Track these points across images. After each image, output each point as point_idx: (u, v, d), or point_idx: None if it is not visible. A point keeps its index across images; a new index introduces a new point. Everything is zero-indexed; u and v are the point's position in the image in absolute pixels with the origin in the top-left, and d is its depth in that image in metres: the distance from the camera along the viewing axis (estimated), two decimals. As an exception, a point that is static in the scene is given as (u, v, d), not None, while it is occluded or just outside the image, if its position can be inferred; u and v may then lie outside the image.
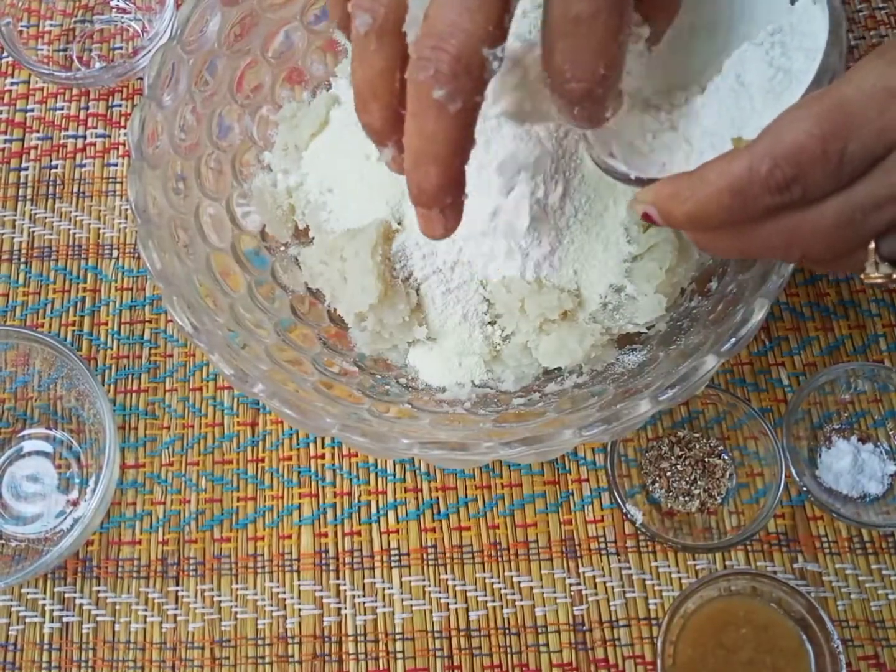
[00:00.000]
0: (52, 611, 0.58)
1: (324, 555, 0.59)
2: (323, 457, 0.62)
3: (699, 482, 0.59)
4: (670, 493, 0.59)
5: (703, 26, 0.44)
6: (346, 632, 0.58)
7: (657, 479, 0.60)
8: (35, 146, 0.71)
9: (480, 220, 0.51)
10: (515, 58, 0.42)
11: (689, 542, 0.57)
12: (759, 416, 0.57)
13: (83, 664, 0.57)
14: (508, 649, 0.57)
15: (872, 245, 0.36)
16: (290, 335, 0.54)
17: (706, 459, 0.60)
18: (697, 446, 0.60)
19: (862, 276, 0.37)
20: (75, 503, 0.61)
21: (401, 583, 0.58)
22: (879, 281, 0.37)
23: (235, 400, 0.63)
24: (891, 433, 0.60)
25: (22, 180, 0.70)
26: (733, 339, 0.46)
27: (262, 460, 0.61)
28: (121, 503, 0.61)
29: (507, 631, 0.57)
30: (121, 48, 0.74)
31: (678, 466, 0.60)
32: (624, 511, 0.57)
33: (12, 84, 0.73)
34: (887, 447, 0.60)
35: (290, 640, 0.57)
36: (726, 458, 0.60)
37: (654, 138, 0.43)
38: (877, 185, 0.34)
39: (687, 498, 0.59)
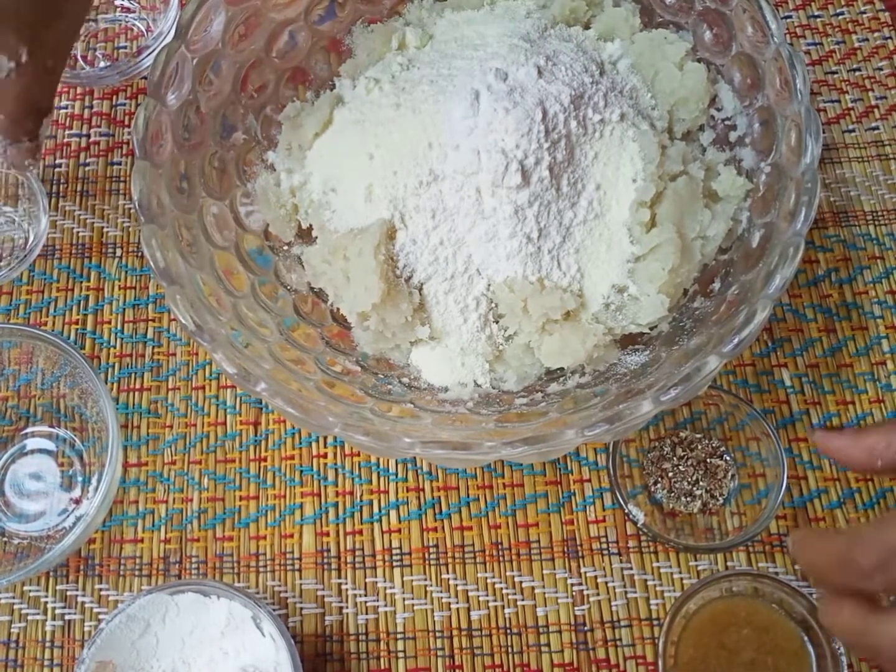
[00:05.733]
0: (54, 608, 0.58)
1: (326, 554, 0.59)
2: (325, 456, 0.62)
3: (701, 483, 0.59)
4: (672, 494, 0.59)
5: None
6: (348, 631, 0.58)
7: (659, 479, 0.60)
8: (39, 145, 0.71)
9: (485, 221, 0.52)
10: None
11: (691, 542, 0.57)
12: (762, 417, 0.57)
13: (85, 662, 0.57)
14: (510, 649, 0.57)
15: None
16: (293, 334, 0.54)
17: (708, 460, 0.60)
18: (699, 447, 0.60)
19: None
20: (78, 501, 0.61)
21: (402, 582, 0.58)
22: None
23: (238, 399, 0.63)
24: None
25: (26, 179, 0.70)
26: (736, 340, 0.46)
27: (265, 459, 0.61)
28: (123, 501, 0.61)
29: (508, 631, 0.57)
30: (125, 47, 0.74)
31: (680, 467, 0.60)
32: (626, 511, 0.57)
33: (17, 83, 0.73)
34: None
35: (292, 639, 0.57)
36: (728, 458, 0.60)
37: None
38: None
39: (689, 499, 0.59)
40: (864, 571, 0.41)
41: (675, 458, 0.60)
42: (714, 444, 0.60)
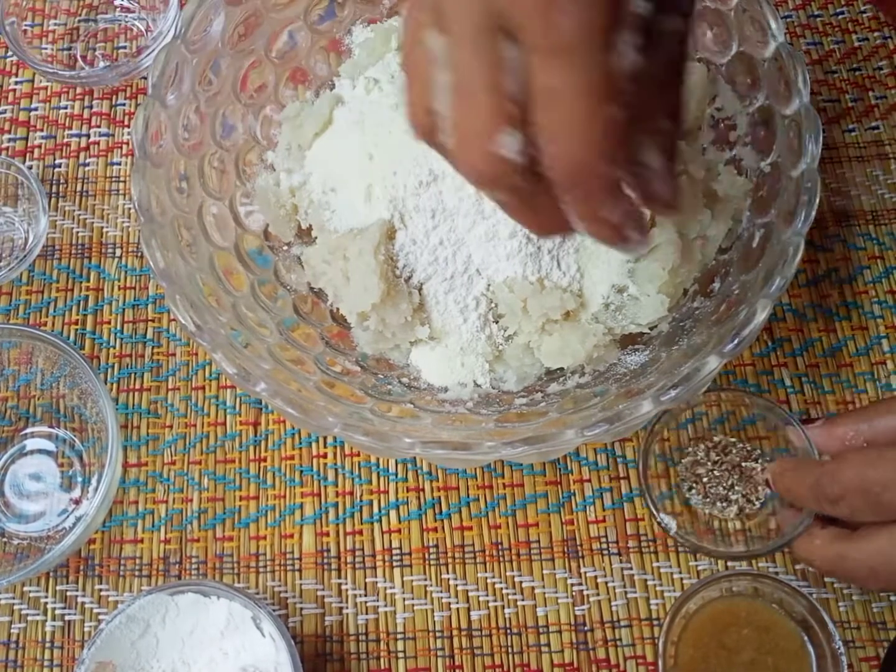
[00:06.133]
0: (54, 609, 0.58)
1: (326, 554, 0.59)
2: (325, 456, 0.62)
3: (737, 487, 0.58)
4: (708, 500, 0.58)
5: None
6: (348, 631, 0.58)
7: (694, 485, 0.59)
8: (39, 145, 0.71)
9: (485, 220, 0.52)
10: None
11: (728, 549, 0.56)
12: (793, 419, 0.56)
13: (85, 662, 0.57)
14: (510, 649, 0.57)
15: None
16: (292, 334, 0.54)
17: (743, 464, 0.59)
18: (734, 451, 0.59)
19: None
20: (77, 501, 0.61)
21: (402, 582, 0.58)
22: None
23: (238, 399, 0.63)
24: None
25: (25, 179, 0.70)
26: (736, 340, 0.46)
27: (265, 459, 0.61)
28: (123, 502, 0.61)
29: (508, 631, 0.57)
30: (125, 47, 0.74)
31: (715, 472, 0.59)
32: (657, 520, 0.56)
33: (16, 83, 0.73)
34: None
35: (292, 640, 0.57)
36: (763, 462, 0.59)
37: None
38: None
39: (725, 504, 0.58)
40: (831, 499, 0.49)
41: (709, 464, 0.59)
42: (749, 448, 0.59)
